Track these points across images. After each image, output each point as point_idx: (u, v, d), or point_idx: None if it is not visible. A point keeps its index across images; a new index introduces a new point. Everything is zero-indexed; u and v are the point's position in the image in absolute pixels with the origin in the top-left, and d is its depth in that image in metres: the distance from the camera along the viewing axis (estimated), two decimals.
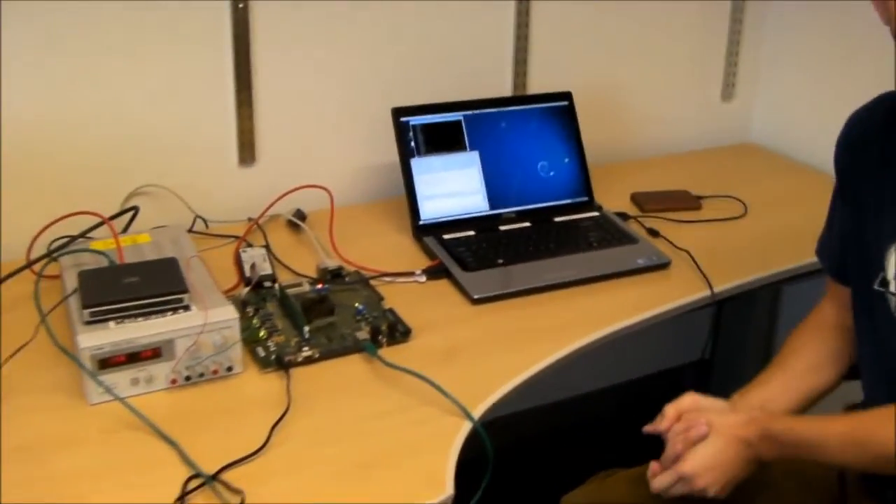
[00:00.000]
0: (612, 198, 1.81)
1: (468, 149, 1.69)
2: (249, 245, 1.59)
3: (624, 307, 1.44)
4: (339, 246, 1.59)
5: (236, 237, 1.61)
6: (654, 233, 1.67)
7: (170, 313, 1.24)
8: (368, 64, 1.78)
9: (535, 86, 1.92)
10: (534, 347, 1.33)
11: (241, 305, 1.40)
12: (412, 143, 1.65)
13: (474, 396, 1.21)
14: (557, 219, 1.68)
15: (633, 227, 1.69)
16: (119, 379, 1.20)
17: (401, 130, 1.65)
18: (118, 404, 1.18)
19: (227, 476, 1.07)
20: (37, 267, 1.39)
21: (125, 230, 1.56)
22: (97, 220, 1.48)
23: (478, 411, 1.19)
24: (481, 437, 1.15)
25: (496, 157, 1.70)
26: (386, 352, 1.31)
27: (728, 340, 2.30)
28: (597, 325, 1.39)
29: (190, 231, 1.63)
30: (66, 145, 1.58)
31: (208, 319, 1.22)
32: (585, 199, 1.74)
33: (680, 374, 2.43)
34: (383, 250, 1.60)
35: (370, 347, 1.29)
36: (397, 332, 1.34)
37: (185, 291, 1.24)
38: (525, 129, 1.72)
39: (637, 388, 2.38)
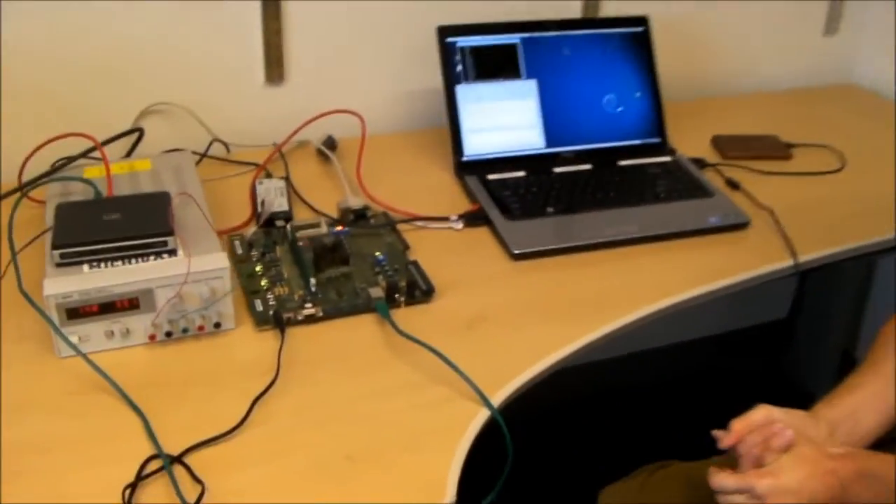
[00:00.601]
0: (690, 141, 1.57)
1: (524, 77, 1.46)
2: (269, 176, 1.41)
3: (690, 273, 1.23)
4: (367, 182, 1.40)
5: (257, 165, 1.43)
6: (733, 185, 1.43)
7: (153, 258, 1.07)
8: None
9: (608, 8, 1.68)
10: (576, 319, 1.13)
11: (247, 247, 1.23)
12: (459, 68, 1.44)
13: (499, 376, 1.02)
14: (622, 162, 1.46)
15: (709, 177, 1.45)
16: (92, 331, 1.04)
17: (446, 52, 1.44)
18: (91, 357, 1.03)
19: (194, 458, 0.91)
20: (12, 198, 1.22)
21: (129, 154, 1.39)
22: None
23: (499, 396, 1.00)
24: (501, 427, 0.97)
25: (556, 87, 1.48)
26: (402, 313, 1.13)
27: (812, 308, 2.06)
28: (654, 295, 1.18)
29: (205, 156, 1.46)
30: (76, 58, 1.41)
31: (192, 268, 1.05)
32: (657, 140, 1.51)
33: (755, 335, 2.20)
34: (419, 189, 1.41)
35: (382, 308, 1.11)
36: (417, 290, 1.16)
37: (169, 233, 1.07)
38: (591, 56, 1.49)
39: (702, 349, 2.17)
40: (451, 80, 1.44)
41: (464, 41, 1.44)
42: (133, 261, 1.06)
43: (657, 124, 1.52)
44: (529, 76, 1.46)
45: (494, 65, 1.45)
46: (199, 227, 1.14)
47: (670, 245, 1.29)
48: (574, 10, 1.66)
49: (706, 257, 1.27)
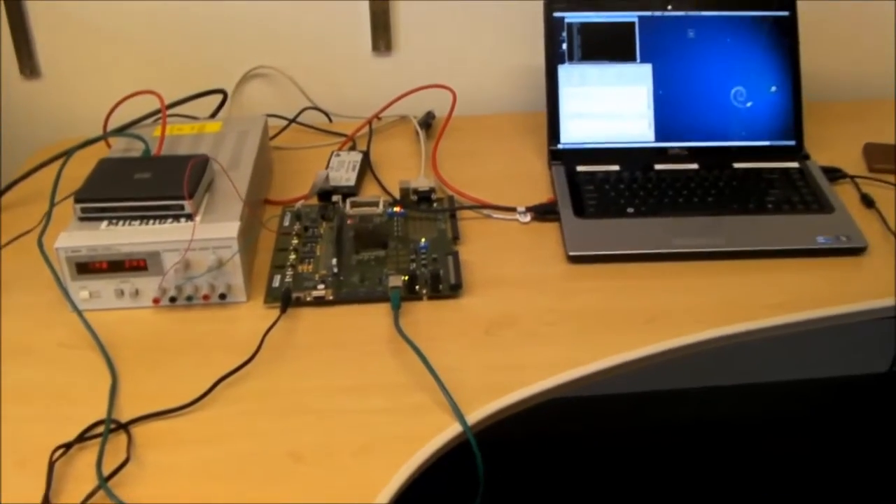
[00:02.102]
0: (837, 147, 1.34)
1: (638, 60, 1.30)
2: (353, 148, 1.35)
3: (773, 299, 1.03)
4: (448, 163, 1.31)
5: (345, 136, 1.38)
6: (868, 202, 1.21)
7: (171, 221, 1.05)
8: None
9: None
10: (614, 337, 0.98)
11: (294, 219, 1.18)
12: (564, 45, 1.31)
13: (491, 391, 0.91)
14: (737, 165, 1.27)
15: (841, 191, 1.23)
16: (102, 287, 1.04)
17: (552, 28, 1.30)
18: (96, 314, 1.03)
19: (140, 428, 0.87)
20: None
21: (213, 115, 1.38)
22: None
23: (480, 413, 0.89)
24: (472, 446, 0.86)
25: (675, 74, 1.30)
26: (422, 307, 1.04)
27: None
28: (719, 318, 1.00)
29: (293, 122, 1.42)
30: (185, 17, 1.42)
31: (198, 235, 1.01)
32: (791, 143, 1.30)
33: (854, 387, 1.85)
34: (504, 175, 1.30)
35: (395, 298, 1.02)
36: (443, 284, 1.06)
37: (182, 197, 1.04)
38: (721, 41, 1.30)
39: (768, 394, 1.81)
40: (554, 59, 1.30)
41: (573, 16, 1.30)
42: (151, 222, 1.05)
43: (793, 125, 1.30)
44: (644, 60, 1.30)
45: (605, 45, 1.30)
46: (228, 194, 1.10)
47: (762, 264, 1.10)
48: None
49: (800, 283, 1.07)
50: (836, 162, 1.30)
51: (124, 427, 0.88)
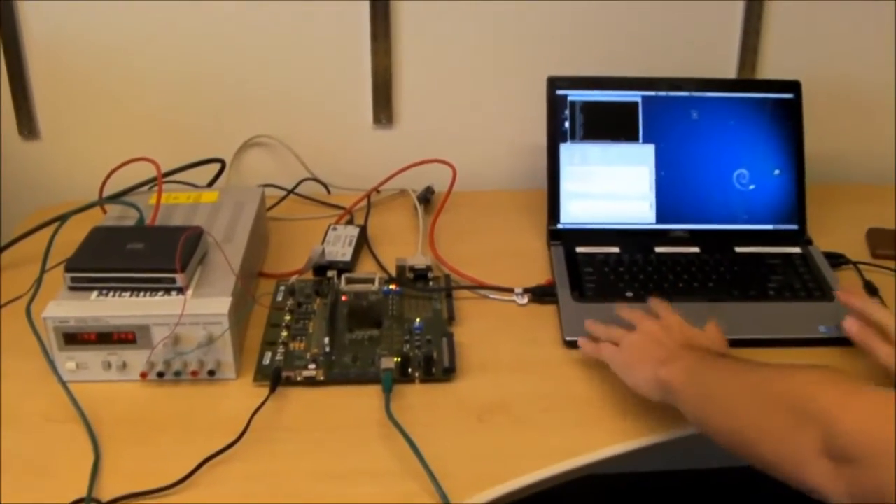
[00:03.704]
0: (840, 232, 1.33)
1: (641, 140, 1.30)
2: (350, 222, 1.34)
3: None
4: (445, 240, 1.29)
5: (343, 209, 1.37)
6: (871, 289, 1.19)
7: (162, 294, 1.03)
8: (528, 24, 1.42)
9: (763, 66, 1.46)
10: (611, 425, 0.96)
11: (287, 294, 1.16)
12: (566, 124, 1.30)
13: (483, 481, 0.88)
14: (739, 249, 1.25)
15: (844, 277, 1.22)
16: (90, 359, 1.02)
17: (554, 105, 1.30)
18: (82, 386, 1.01)
19: None
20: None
21: (211, 184, 1.37)
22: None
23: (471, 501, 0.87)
24: None
25: (678, 155, 1.30)
26: (415, 390, 1.01)
27: None
28: None
29: (291, 193, 1.41)
30: (187, 84, 1.42)
31: (189, 310, 0.99)
32: (793, 227, 1.29)
33: None
34: (501, 254, 1.28)
35: (387, 381, 1.00)
36: (436, 367, 1.03)
37: (174, 270, 1.02)
38: (725, 123, 1.30)
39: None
40: (555, 138, 1.30)
41: (576, 95, 1.30)
42: (141, 294, 1.03)
43: (796, 209, 1.29)
44: (647, 140, 1.29)
45: (608, 124, 1.30)
46: (222, 268, 1.08)
47: (763, 353, 1.06)
48: (711, 67, 1.45)
49: None
50: (838, 247, 1.28)
51: None
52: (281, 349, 1.06)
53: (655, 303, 1.06)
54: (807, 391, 0.77)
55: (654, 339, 0.98)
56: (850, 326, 1.04)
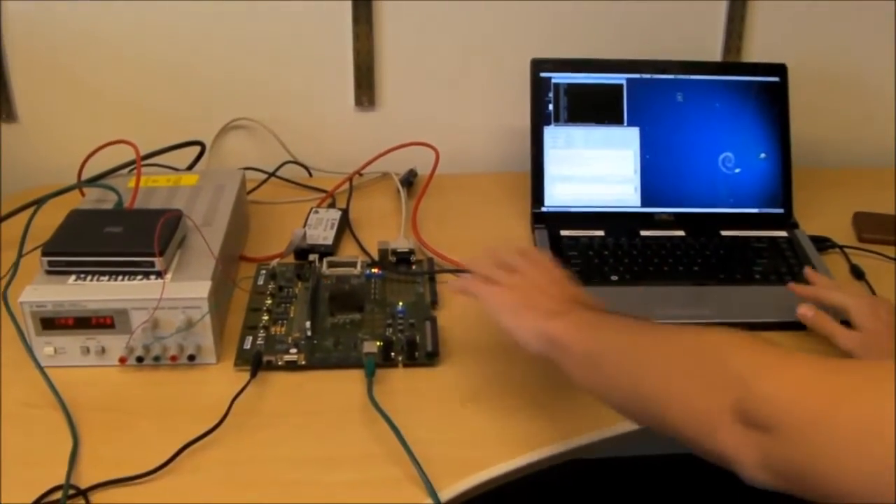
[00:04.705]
0: (826, 216, 1.32)
1: (625, 123, 1.29)
2: (332, 205, 1.33)
3: None
4: (428, 223, 1.28)
5: (325, 192, 1.35)
6: (857, 273, 1.18)
7: (140, 278, 1.01)
8: (512, 5, 1.41)
9: (748, 51, 1.45)
10: (595, 410, 0.94)
11: (268, 279, 1.15)
12: (550, 106, 1.29)
13: (467, 466, 0.87)
14: (725, 233, 1.25)
15: (830, 261, 1.21)
16: (67, 344, 1.00)
17: (538, 88, 1.29)
18: (61, 371, 0.99)
19: (100, 495, 0.84)
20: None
21: (190, 167, 1.35)
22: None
23: (454, 490, 0.86)
24: None
25: (663, 138, 1.29)
26: (398, 374, 1.00)
27: None
28: None
29: (272, 175, 1.40)
30: (166, 66, 1.40)
31: (168, 294, 0.98)
32: (779, 211, 1.28)
33: None
34: (484, 238, 1.26)
35: (369, 366, 0.99)
36: (419, 352, 1.02)
37: (152, 254, 1.00)
38: (710, 106, 1.29)
39: None
40: (539, 120, 1.29)
41: (560, 77, 1.28)
42: (120, 278, 1.01)
43: (781, 193, 1.29)
44: (632, 123, 1.28)
45: (592, 107, 1.29)
46: (202, 251, 1.07)
47: None
48: (698, 50, 1.44)
49: None
50: (824, 230, 1.28)
51: (83, 493, 0.84)
52: (262, 333, 1.05)
53: (541, 252, 0.98)
54: (721, 351, 0.70)
55: (539, 288, 0.90)
56: (805, 313, 1.03)
